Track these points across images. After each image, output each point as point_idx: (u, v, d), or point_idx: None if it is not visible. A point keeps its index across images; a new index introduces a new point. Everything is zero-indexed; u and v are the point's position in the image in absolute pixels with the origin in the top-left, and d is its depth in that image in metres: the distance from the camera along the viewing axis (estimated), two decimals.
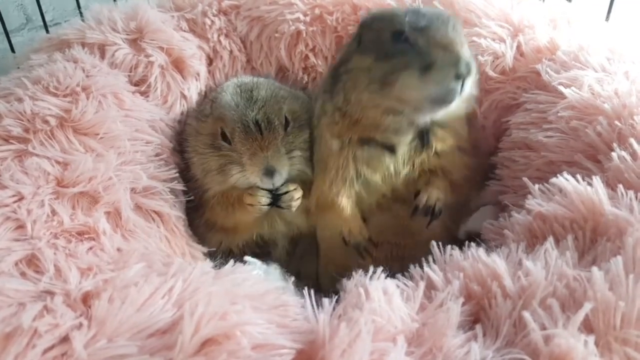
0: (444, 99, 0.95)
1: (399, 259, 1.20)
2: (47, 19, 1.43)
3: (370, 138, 1.08)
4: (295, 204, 1.16)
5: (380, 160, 1.10)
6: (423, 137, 1.08)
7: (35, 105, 0.96)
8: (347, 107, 1.06)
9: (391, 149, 1.09)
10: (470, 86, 0.95)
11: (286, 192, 1.15)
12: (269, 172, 1.08)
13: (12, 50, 1.37)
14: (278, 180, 1.10)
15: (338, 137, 1.10)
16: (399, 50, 0.96)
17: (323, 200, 1.15)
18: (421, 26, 0.95)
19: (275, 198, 1.14)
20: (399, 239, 1.19)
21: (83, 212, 0.86)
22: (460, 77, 0.91)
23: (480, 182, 1.17)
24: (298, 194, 1.16)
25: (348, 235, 1.14)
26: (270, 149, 1.09)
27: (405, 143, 1.08)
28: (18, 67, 1.27)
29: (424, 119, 1.04)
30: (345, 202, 1.13)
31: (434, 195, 1.09)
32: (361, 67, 1.02)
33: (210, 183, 1.18)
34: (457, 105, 0.99)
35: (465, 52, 0.93)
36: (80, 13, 1.45)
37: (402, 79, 0.94)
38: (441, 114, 1.01)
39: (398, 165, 1.10)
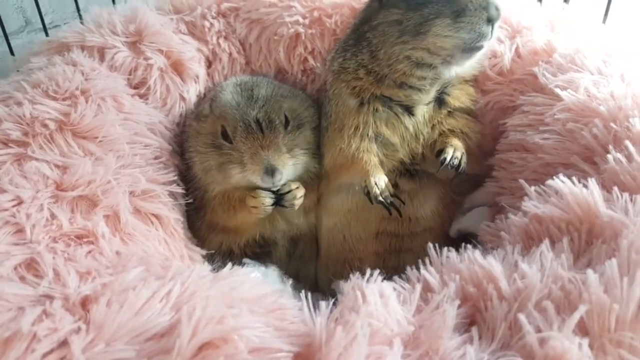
0: (475, 44, 1.00)
1: (396, 251, 1.23)
2: (46, 21, 1.43)
3: (391, 98, 1.12)
4: (298, 202, 1.16)
5: (400, 121, 1.13)
6: (440, 98, 1.14)
7: (34, 109, 0.97)
8: (373, 63, 1.10)
9: (410, 111, 1.13)
10: (497, 32, 1.02)
11: (289, 192, 1.15)
12: (270, 171, 1.08)
13: (12, 52, 1.38)
14: (279, 178, 1.10)
15: (358, 95, 1.13)
16: None
17: (342, 159, 1.15)
18: None
19: (278, 198, 1.15)
20: (398, 227, 1.20)
21: (82, 216, 0.87)
22: (491, 20, 0.97)
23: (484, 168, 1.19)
24: (300, 192, 1.17)
25: (373, 188, 1.10)
26: (271, 148, 1.09)
27: (423, 103, 1.13)
28: (18, 70, 1.28)
29: (451, 71, 1.09)
30: (367, 156, 1.13)
31: (460, 148, 1.11)
32: (389, 21, 1.06)
33: (211, 183, 1.18)
34: (470, 66, 1.08)
35: None
36: (80, 15, 1.45)
37: (435, 26, 1.00)
38: (468, 64, 1.08)
39: (418, 126, 1.13)
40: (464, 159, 1.10)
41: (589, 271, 0.65)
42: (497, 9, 0.98)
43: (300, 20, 1.34)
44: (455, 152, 1.09)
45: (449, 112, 1.16)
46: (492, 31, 0.99)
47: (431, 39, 1.01)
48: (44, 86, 1.02)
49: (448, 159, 1.08)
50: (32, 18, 1.54)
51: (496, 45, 1.16)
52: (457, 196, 1.20)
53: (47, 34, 1.42)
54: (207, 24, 1.38)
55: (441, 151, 1.11)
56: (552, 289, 0.67)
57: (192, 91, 1.32)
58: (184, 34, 1.37)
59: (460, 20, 0.98)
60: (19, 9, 1.51)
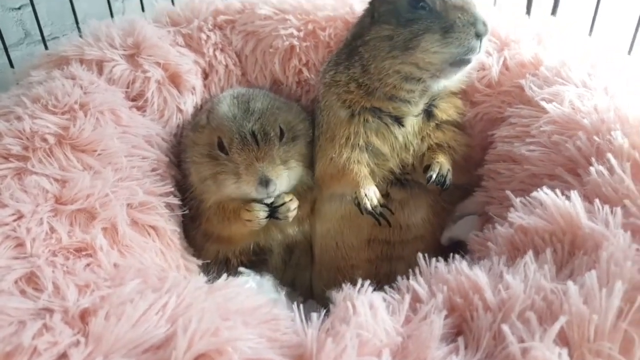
0: (464, 58, 1.03)
1: (388, 259, 1.25)
2: (45, 33, 1.45)
3: (381, 109, 1.15)
4: (292, 214, 1.19)
5: (390, 131, 1.16)
6: (428, 110, 1.17)
7: (34, 123, 0.99)
8: (364, 77, 1.14)
9: (399, 121, 1.16)
10: (485, 46, 1.05)
11: (282, 204, 1.17)
12: (264, 182, 1.10)
13: (11, 65, 1.40)
14: (273, 189, 1.12)
15: (349, 107, 1.16)
16: (418, 15, 1.04)
17: (332, 169, 1.18)
18: None
19: (272, 211, 1.17)
20: (389, 235, 1.22)
21: (81, 229, 0.89)
22: (479, 35, 1.01)
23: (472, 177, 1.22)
24: (294, 204, 1.19)
25: (363, 199, 1.13)
26: (266, 160, 1.11)
27: (413, 114, 1.16)
28: (17, 83, 1.30)
29: (439, 84, 1.12)
30: (358, 167, 1.16)
31: (446, 166, 1.14)
32: (380, 37, 1.09)
33: (207, 193, 1.20)
34: (458, 79, 1.12)
35: (481, 12, 1.02)
36: (78, 28, 1.47)
37: (424, 42, 1.03)
38: (456, 77, 1.11)
39: (407, 137, 1.16)
40: (450, 176, 1.13)
41: (570, 283, 0.68)
42: (484, 24, 1.01)
43: (295, 33, 1.37)
44: (441, 169, 1.12)
45: (437, 124, 1.19)
46: (480, 46, 1.02)
47: (420, 54, 1.04)
48: (43, 101, 1.04)
49: (434, 176, 1.11)
50: (31, 30, 1.57)
51: (484, 57, 1.18)
52: (448, 205, 1.23)
53: (46, 46, 1.44)
54: (203, 36, 1.41)
55: (428, 167, 1.13)
56: (535, 300, 0.69)
57: (189, 103, 1.35)
58: (181, 46, 1.39)
59: (449, 35, 1.01)
60: (18, 22, 1.54)
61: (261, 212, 1.15)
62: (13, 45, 1.52)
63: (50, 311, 0.70)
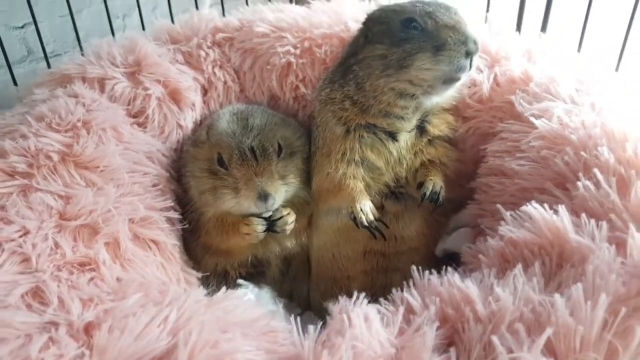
0: (455, 76, 1.07)
1: (384, 270, 1.28)
2: (47, 50, 1.48)
3: (376, 125, 1.18)
4: (289, 227, 1.21)
5: (384, 146, 1.19)
6: (421, 126, 1.20)
7: (38, 141, 1.02)
8: (359, 94, 1.17)
9: (393, 137, 1.19)
10: (475, 63, 1.09)
11: (280, 218, 1.20)
12: (263, 197, 1.13)
13: (15, 82, 1.43)
14: (271, 204, 1.15)
15: (344, 123, 1.19)
16: (411, 35, 1.08)
17: (329, 184, 1.21)
18: (428, 11, 1.07)
19: (270, 224, 1.20)
20: (384, 246, 1.25)
21: (84, 244, 0.91)
22: (470, 54, 1.04)
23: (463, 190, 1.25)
24: (291, 218, 1.22)
25: (359, 214, 1.16)
26: (265, 175, 1.14)
27: (406, 130, 1.19)
28: (20, 100, 1.33)
29: (432, 101, 1.16)
30: (353, 183, 1.18)
31: (438, 183, 1.17)
32: (374, 56, 1.12)
33: (206, 206, 1.23)
34: (450, 95, 1.16)
35: (471, 32, 1.05)
36: (80, 45, 1.51)
37: (417, 60, 1.06)
38: (448, 94, 1.15)
39: (401, 152, 1.19)
40: (443, 193, 1.16)
41: (556, 295, 0.70)
42: (475, 43, 1.04)
43: (292, 50, 1.40)
44: (434, 186, 1.15)
45: (429, 140, 1.22)
46: (470, 64, 1.05)
47: (413, 72, 1.07)
48: (47, 119, 1.07)
49: (427, 194, 1.14)
50: (34, 48, 1.60)
51: (475, 74, 1.22)
52: (441, 217, 1.25)
53: (48, 63, 1.47)
54: (202, 53, 1.44)
55: (422, 184, 1.17)
56: (523, 312, 0.71)
57: (189, 119, 1.38)
58: (180, 63, 1.43)
59: (440, 54, 1.04)
60: (21, 40, 1.57)
61: (259, 226, 1.18)
62: (16, 63, 1.56)
63: (55, 325, 0.72)
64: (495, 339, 0.68)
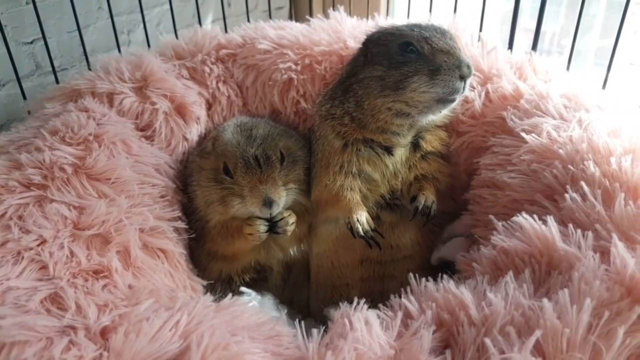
0: (449, 97, 1.12)
1: (381, 278, 1.32)
2: (55, 64, 1.53)
3: (373, 139, 1.23)
4: (290, 228, 1.26)
5: (380, 159, 1.24)
6: (415, 142, 1.26)
7: (53, 154, 1.07)
8: (358, 111, 1.22)
9: (389, 151, 1.24)
10: (469, 86, 1.15)
11: (281, 219, 1.25)
12: (268, 203, 1.18)
13: (23, 95, 1.47)
14: (275, 209, 1.20)
15: (343, 137, 1.24)
16: (408, 58, 1.13)
17: (327, 195, 1.26)
18: (425, 36, 1.12)
19: (272, 225, 1.25)
20: (381, 255, 1.29)
21: (97, 253, 0.95)
22: (463, 78, 1.09)
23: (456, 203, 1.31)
24: (292, 219, 1.27)
25: (355, 224, 1.20)
26: (269, 182, 1.19)
27: (402, 146, 1.24)
28: (29, 112, 1.37)
29: (427, 119, 1.22)
30: (351, 194, 1.23)
31: (430, 197, 1.22)
32: (373, 77, 1.18)
33: (212, 214, 1.28)
34: (444, 114, 1.21)
35: (465, 56, 1.11)
36: (87, 59, 1.56)
37: (413, 83, 1.11)
38: (442, 113, 1.21)
39: (397, 165, 1.24)
40: (434, 207, 1.21)
41: (545, 300, 0.74)
42: (468, 67, 1.10)
43: (293, 66, 1.46)
44: (426, 201, 1.20)
45: (423, 155, 1.27)
46: (464, 87, 1.11)
47: (409, 93, 1.13)
48: (61, 133, 1.12)
49: (420, 207, 1.20)
50: (42, 62, 1.65)
51: (469, 91, 1.26)
52: (435, 227, 1.30)
53: (56, 77, 1.52)
54: (207, 69, 1.50)
55: (415, 198, 1.22)
56: (514, 316, 0.76)
57: (194, 132, 1.43)
58: (186, 78, 1.48)
59: (435, 77, 1.09)
60: (30, 55, 1.62)
61: (262, 226, 1.23)
62: (25, 77, 1.60)
63: (74, 329, 0.76)
64: (487, 341, 0.72)
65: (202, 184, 1.27)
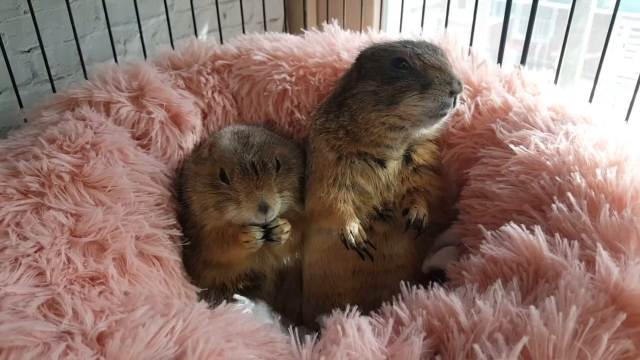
0: (440, 112, 1.14)
1: (373, 287, 1.34)
2: (52, 73, 1.55)
3: (366, 152, 1.26)
4: (285, 236, 1.28)
5: (374, 172, 1.26)
6: (407, 155, 1.29)
7: (50, 162, 1.08)
8: (352, 125, 1.24)
9: (382, 164, 1.26)
10: (459, 101, 1.17)
11: (276, 226, 1.27)
12: (263, 208, 1.20)
13: (20, 103, 1.48)
14: (271, 215, 1.22)
15: (337, 150, 1.27)
16: (400, 74, 1.16)
17: (321, 207, 1.28)
18: (417, 53, 1.15)
19: (267, 232, 1.27)
20: (373, 265, 1.31)
21: (94, 260, 0.97)
22: (454, 94, 1.12)
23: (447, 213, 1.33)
24: (287, 227, 1.29)
25: (348, 236, 1.23)
26: (265, 188, 1.21)
27: (394, 158, 1.27)
28: (25, 120, 1.39)
29: (418, 133, 1.25)
30: (344, 207, 1.25)
31: (422, 210, 1.24)
32: (366, 91, 1.20)
33: (207, 219, 1.29)
34: (436, 128, 1.24)
35: (456, 73, 1.14)
36: (83, 68, 1.58)
37: (406, 98, 1.14)
38: (434, 127, 1.23)
39: (389, 178, 1.27)
40: (426, 220, 1.24)
41: (532, 307, 0.76)
42: (459, 83, 1.13)
43: (287, 77, 1.49)
44: (418, 214, 1.23)
45: (414, 168, 1.30)
46: (454, 102, 1.13)
47: (402, 108, 1.15)
48: (58, 141, 1.13)
49: (412, 220, 1.22)
50: (38, 71, 1.66)
51: (459, 104, 1.29)
52: (427, 236, 1.32)
53: (53, 86, 1.53)
54: (202, 79, 1.52)
55: (407, 211, 1.25)
56: (502, 322, 0.78)
57: (190, 141, 1.45)
58: (182, 88, 1.50)
59: (427, 92, 1.12)
60: (27, 63, 1.63)
61: (257, 233, 1.25)
62: (21, 85, 1.62)
63: (71, 334, 0.77)
64: (476, 347, 0.74)
65: (198, 190, 1.29)
